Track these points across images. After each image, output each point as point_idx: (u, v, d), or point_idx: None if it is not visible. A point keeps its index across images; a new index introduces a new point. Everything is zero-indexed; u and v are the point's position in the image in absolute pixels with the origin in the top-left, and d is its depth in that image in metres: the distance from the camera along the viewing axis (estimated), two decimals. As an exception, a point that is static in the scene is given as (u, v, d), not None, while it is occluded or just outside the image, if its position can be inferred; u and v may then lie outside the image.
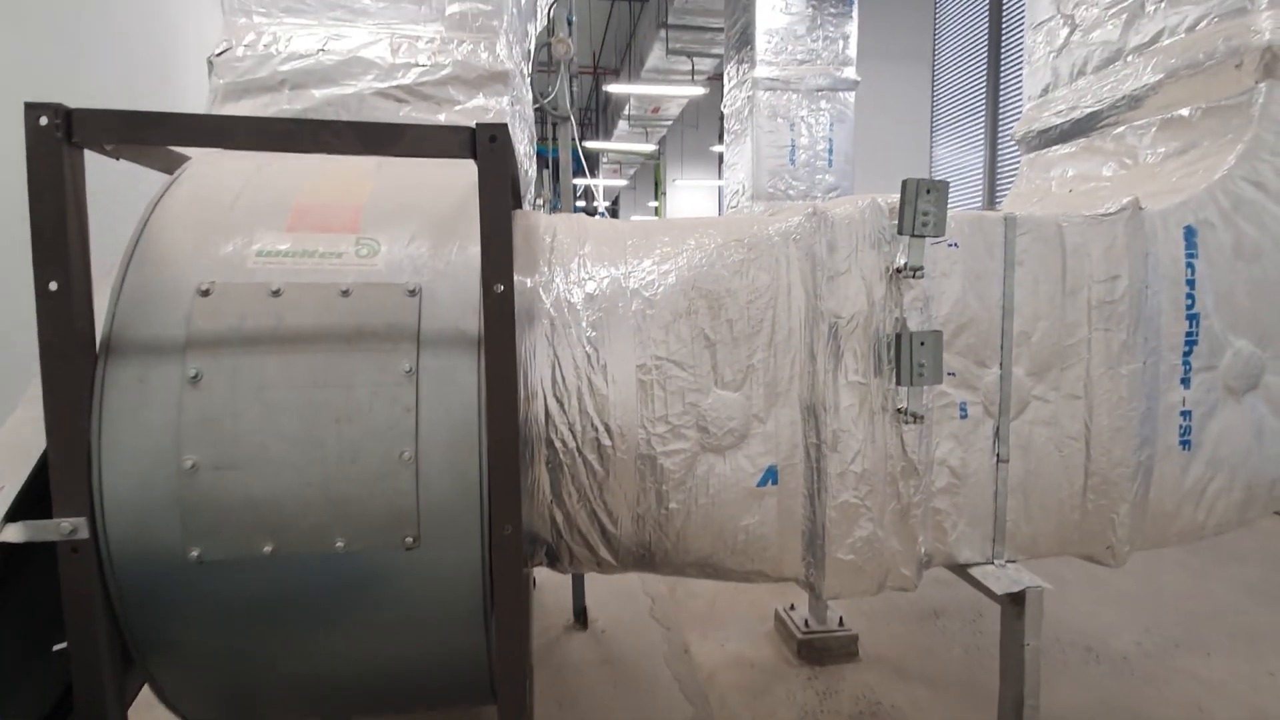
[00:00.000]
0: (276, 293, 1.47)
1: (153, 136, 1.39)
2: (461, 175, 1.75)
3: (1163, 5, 2.33)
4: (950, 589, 3.66)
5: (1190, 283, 2.01)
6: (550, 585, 3.79)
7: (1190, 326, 2.01)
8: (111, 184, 1.76)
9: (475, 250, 1.55)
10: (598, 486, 1.75)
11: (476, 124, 1.43)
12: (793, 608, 3.26)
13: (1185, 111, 2.28)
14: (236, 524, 1.41)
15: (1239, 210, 2.04)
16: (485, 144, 1.44)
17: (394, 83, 2.14)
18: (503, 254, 1.46)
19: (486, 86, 2.20)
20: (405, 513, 1.46)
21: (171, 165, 1.81)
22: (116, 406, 1.38)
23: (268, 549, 1.42)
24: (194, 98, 2.40)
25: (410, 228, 1.63)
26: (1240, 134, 2.09)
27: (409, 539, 1.46)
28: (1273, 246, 2.06)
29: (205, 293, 1.45)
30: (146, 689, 1.62)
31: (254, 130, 1.42)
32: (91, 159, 1.42)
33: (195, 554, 1.40)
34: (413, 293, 1.53)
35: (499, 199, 1.46)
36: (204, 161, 1.78)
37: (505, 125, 1.43)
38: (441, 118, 2.19)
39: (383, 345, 1.48)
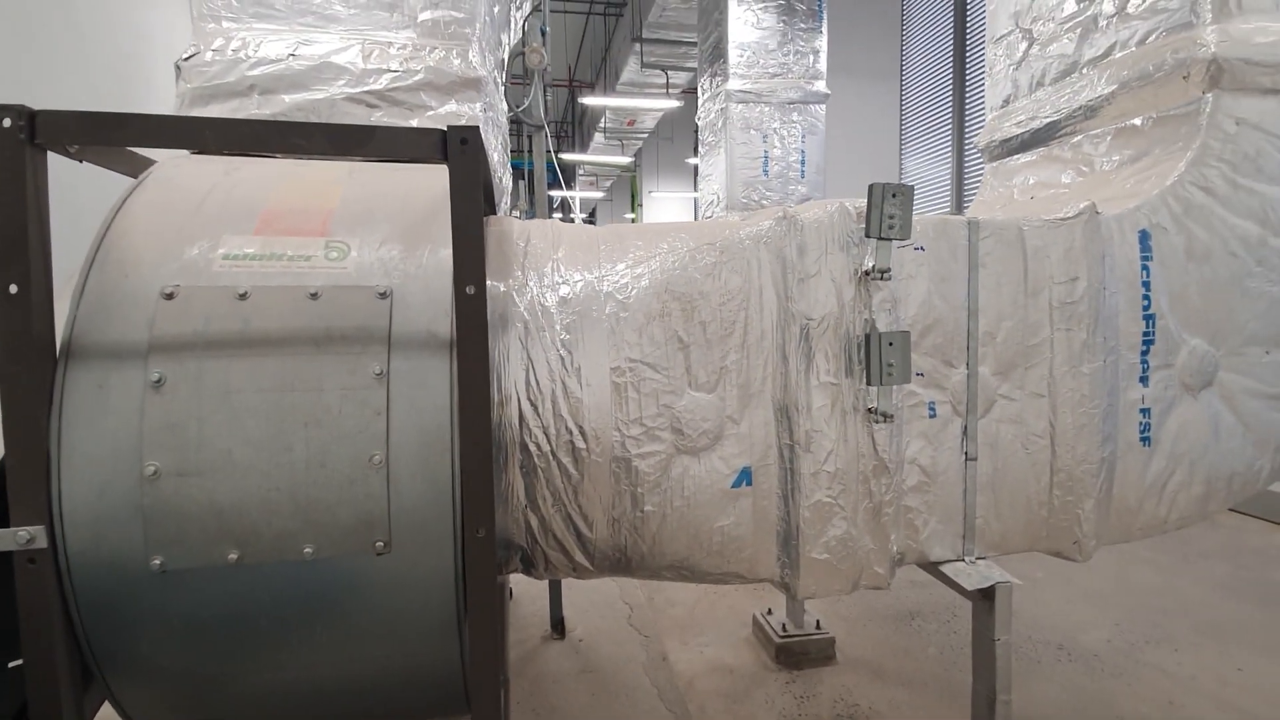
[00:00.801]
0: (243, 295, 1.45)
1: (117, 137, 1.37)
2: (434, 181, 1.75)
3: (1114, 20, 2.43)
4: (925, 590, 3.71)
5: (1146, 284, 2.08)
6: (527, 596, 3.76)
7: (1147, 326, 2.08)
8: (76, 187, 1.73)
9: (447, 254, 1.55)
10: (572, 490, 1.74)
11: (448, 126, 1.44)
12: (770, 612, 3.27)
13: (1138, 121, 2.37)
14: (200, 531, 1.37)
15: (1190, 214, 2.12)
16: (456, 146, 1.44)
17: (365, 88, 2.14)
18: (474, 255, 1.46)
19: (459, 93, 2.21)
20: (375, 518, 1.44)
21: (136, 169, 1.78)
22: (76, 412, 1.34)
23: (233, 557, 1.39)
24: (162, 104, 2.37)
25: (381, 232, 1.62)
26: (1189, 142, 2.17)
27: (379, 544, 1.44)
28: (1222, 248, 2.14)
29: (169, 296, 1.43)
30: (107, 706, 1.57)
31: (220, 131, 1.40)
32: (56, 162, 1.40)
33: (157, 563, 1.36)
34: (383, 295, 1.52)
35: (470, 201, 1.46)
36: (170, 165, 1.75)
37: (476, 128, 1.43)
38: (414, 123, 2.19)
39: (352, 348, 1.46)
